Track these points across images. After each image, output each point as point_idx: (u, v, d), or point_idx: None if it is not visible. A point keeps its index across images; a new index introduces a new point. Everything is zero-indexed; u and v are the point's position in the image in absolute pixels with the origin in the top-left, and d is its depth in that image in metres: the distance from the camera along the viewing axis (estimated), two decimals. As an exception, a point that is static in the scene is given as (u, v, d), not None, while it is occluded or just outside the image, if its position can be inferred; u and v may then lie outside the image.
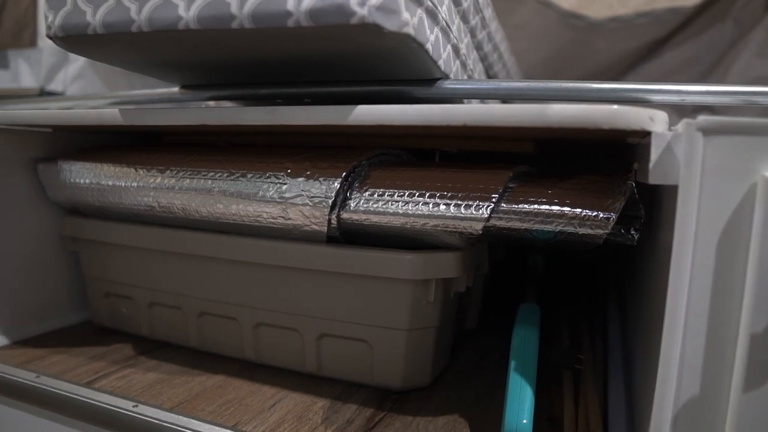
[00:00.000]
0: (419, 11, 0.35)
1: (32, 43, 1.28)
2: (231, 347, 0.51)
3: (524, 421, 0.34)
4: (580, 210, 0.36)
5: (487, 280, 0.62)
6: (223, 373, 0.48)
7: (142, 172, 0.49)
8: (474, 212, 0.38)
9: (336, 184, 0.41)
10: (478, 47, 0.55)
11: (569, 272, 0.79)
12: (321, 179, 0.42)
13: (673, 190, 0.27)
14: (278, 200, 0.43)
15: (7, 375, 0.46)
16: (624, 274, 0.66)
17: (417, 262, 0.41)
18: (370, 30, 0.31)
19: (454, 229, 0.39)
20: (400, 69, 0.41)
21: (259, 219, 0.44)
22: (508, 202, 0.38)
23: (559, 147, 0.53)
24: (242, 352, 0.50)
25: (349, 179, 0.42)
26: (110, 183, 0.51)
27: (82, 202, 0.54)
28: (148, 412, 0.40)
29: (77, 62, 1.18)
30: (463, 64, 0.48)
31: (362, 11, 0.30)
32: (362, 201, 0.41)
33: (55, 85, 1.21)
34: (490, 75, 0.64)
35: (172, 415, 0.40)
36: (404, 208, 0.40)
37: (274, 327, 0.48)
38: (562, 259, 0.78)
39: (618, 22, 1.01)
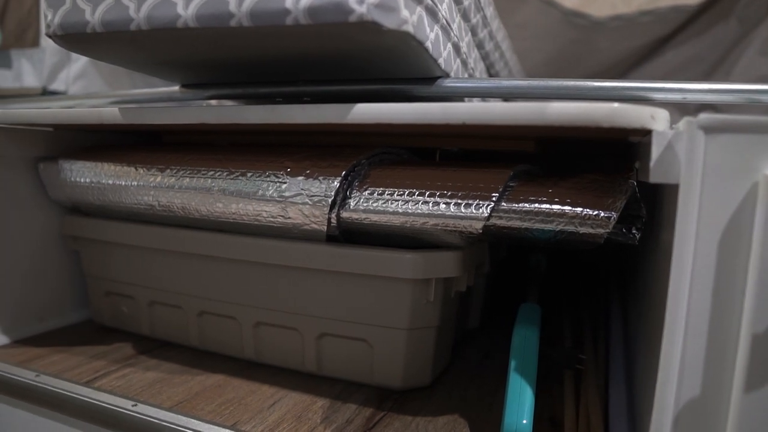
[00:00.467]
0: (419, 9, 0.34)
1: (35, 42, 1.29)
2: (231, 346, 0.51)
3: (524, 422, 0.33)
4: (580, 209, 0.35)
5: (490, 279, 0.61)
6: (222, 373, 0.48)
7: (142, 171, 0.49)
8: (474, 211, 0.38)
9: (336, 183, 0.41)
10: (480, 46, 0.55)
11: (572, 272, 0.78)
12: (321, 178, 0.42)
13: (674, 189, 0.27)
14: (278, 199, 0.43)
15: (7, 374, 0.46)
16: (627, 274, 0.66)
17: (417, 262, 0.41)
18: (369, 28, 0.31)
19: (454, 228, 0.39)
20: (401, 67, 0.40)
21: (258, 218, 0.44)
22: (508, 201, 0.38)
23: (561, 146, 0.52)
24: (242, 352, 0.50)
25: (349, 178, 0.42)
26: (110, 182, 0.51)
27: (83, 201, 0.54)
28: (148, 412, 0.40)
29: (79, 62, 1.18)
30: (464, 63, 0.48)
31: (361, 9, 0.30)
32: (362, 200, 0.41)
33: (57, 85, 1.21)
34: (491, 74, 0.64)
35: (172, 414, 0.40)
36: (404, 207, 0.40)
37: (274, 326, 0.48)
38: (565, 258, 0.78)
39: (621, 21, 1.01)
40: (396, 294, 0.42)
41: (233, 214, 0.45)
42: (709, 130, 0.26)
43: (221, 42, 0.36)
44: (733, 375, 0.26)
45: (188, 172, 0.47)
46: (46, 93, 1.22)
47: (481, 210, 0.38)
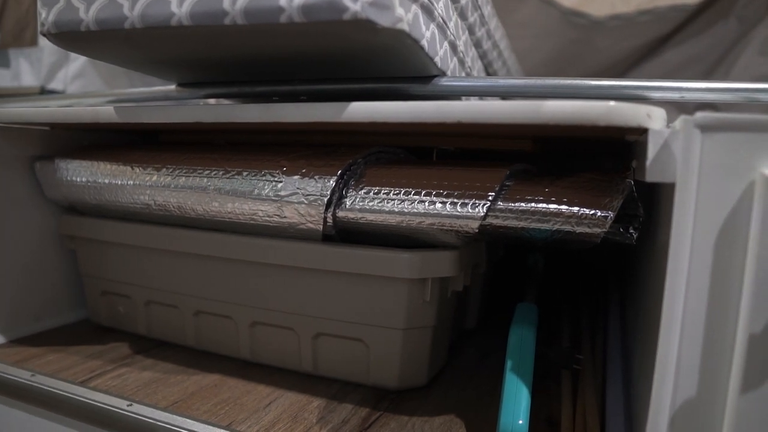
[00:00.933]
0: (414, 7, 0.34)
1: (33, 42, 1.28)
2: (227, 346, 0.50)
3: (520, 422, 0.33)
4: (577, 208, 0.35)
5: (487, 279, 0.61)
6: (219, 372, 0.48)
7: (138, 171, 0.49)
8: (470, 211, 0.38)
9: (331, 182, 0.41)
10: (477, 44, 0.55)
11: (570, 271, 0.78)
12: (316, 177, 0.42)
13: (670, 188, 0.27)
14: (274, 198, 0.43)
15: (2, 374, 0.45)
16: (625, 273, 0.66)
17: (413, 261, 0.41)
18: (364, 26, 0.31)
19: (451, 228, 0.39)
20: (397, 66, 0.40)
21: (254, 217, 0.44)
22: (504, 200, 0.37)
23: (558, 145, 0.52)
24: (238, 351, 0.50)
25: (345, 177, 0.42)
26: (106, 181, 0.50)
27: (79, 201, 0.53)
28: (143, 411, 0.40)
29: (77, 61, 1.18)
30: (461, 61, 0.47)
31: (355, 7, 0.30)
32: (358, 199, 0.41)
33: (55, 84, 1.21)
34: (489, 73, 0.63)
35: (167, 414, 0.39)
36: (400, 206, 0.40)
37: (270, 326, 0.48)
38: (564, 258, 0.77)
39: (620, 20, 1.00)
40: (392, 294, 0.42)
41: (229, 213, 0.45)
42: (705, 128, 0.25)
43: (216, 40, 0.35)
44: (729, 375, 0.26)
45: (184, 171, 0.47)
46: (44, 92, 1.22)
47: (477, 209, 0.38)
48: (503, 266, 0.67)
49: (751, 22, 0.95)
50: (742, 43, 0.96)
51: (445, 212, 0.38)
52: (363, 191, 0.41)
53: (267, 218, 0.43)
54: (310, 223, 0.42)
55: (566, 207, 0.36)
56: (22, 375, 0.45)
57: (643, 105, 0.29)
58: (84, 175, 0.52)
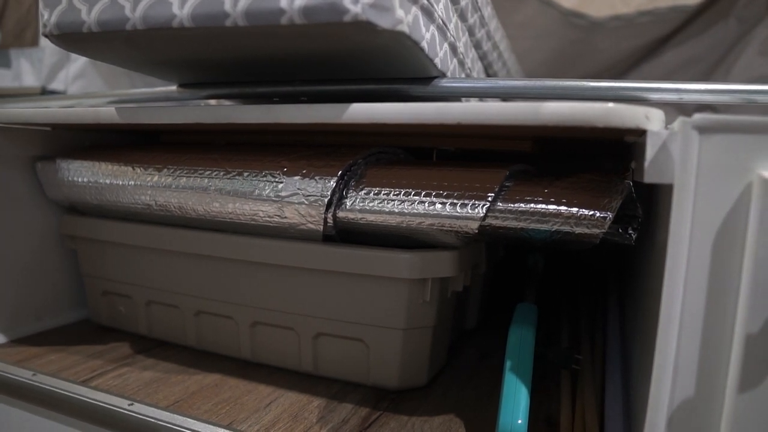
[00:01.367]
0: (414, 9, 0.34)
1: (34, 42, 1.29)
2: (228, 346, 0.51)
3: (519, 421, 0.33)
4: (576, 209, 0.35)
5: (488, 280, 0.61)
6: (219, 372, 0.48)
7: (139, 171, 0.49)
8: (470, 211, 0.38)
9: (332, 182, 0.41)
10: (477, 46, 0.55)
11: (570, 272, 0.78)
12: (317, 178, 0.42)
13: (668, 189, 0.27)
14: (274, 199, 0.43)
15: (3, 373, 0.46)
16: (624, 274, 0.66)
17: (413, 262, 0.41)
18: (364, 28, 0.31)
19: (450, 228, 0.39)
20: (397, 67, 0.40)
21: (255, 217, 0.44)
22: (504, 201, 0.38)
23: (559, 146, 0.52)
24: (239, 351, 0.50)
25: (345, 178, 0.42)
26: (107, 181, 0.51)
27: (80, 201, 0.54)
28: (144, 411, 0.40)
29: (78, 61, 1.18)
30: (461, 63, 0.48)
31: (355, 9, 0.30)
32: (358, 200, 0.41)
33: (56, 84, 1.21)
34: (489, 74, 0.64)
35: (167, 413, 0.40)
36: (400, 207, 0.40)
37: (271, 326, 0.48)
38: (564, 258, 0.77)
39: (620, 21, 1.01)
40: (392, 294, 0.42)
41: (230, 213, 0.45)
42: (703, 130, 0.26)
43: (217, 42, 0.36)
44: (727, 375, 0.26)
45: (185, 171, 0.47)
46: (45, 92, 1.22)
47: (476, 210, 0.38)
48: (503, 267, 0.67)
49: (751, 22, 0.95)
50: (742, 43, 0.96)
51: (444, 213, 0.39)
52: (363, 192, 0.41)
53: (267, 219, 0.44)
54: (311, 223, 0.42)
55: (565, 208, 0.36)
56: (23, 374, 0.45)
57: (641, 106, 0.29)
58: (85, 175, 0.52)
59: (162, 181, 0.48)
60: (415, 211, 0.39)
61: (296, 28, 0.32)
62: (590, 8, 1.02)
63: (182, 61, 0.43)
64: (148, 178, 0.49)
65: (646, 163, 0.27)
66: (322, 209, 0.41)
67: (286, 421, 0.40)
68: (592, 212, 0.35)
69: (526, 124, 0.31)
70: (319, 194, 0.41)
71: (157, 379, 0.46)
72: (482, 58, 0.59)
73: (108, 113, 0.44)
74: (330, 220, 0.42)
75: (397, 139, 0.48)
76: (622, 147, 0.46)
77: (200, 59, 0.41)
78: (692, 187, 0.26)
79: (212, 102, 0.55)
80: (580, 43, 1.04)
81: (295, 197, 0.42)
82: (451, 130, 0.40)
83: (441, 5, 0.40)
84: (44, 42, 1.26)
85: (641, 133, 0.29)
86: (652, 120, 0.28)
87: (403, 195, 0.40)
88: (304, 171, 0.43)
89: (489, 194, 0.38)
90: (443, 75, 0.42)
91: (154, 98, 0.57)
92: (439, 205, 0.39)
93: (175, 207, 0.48)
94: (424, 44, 0.37)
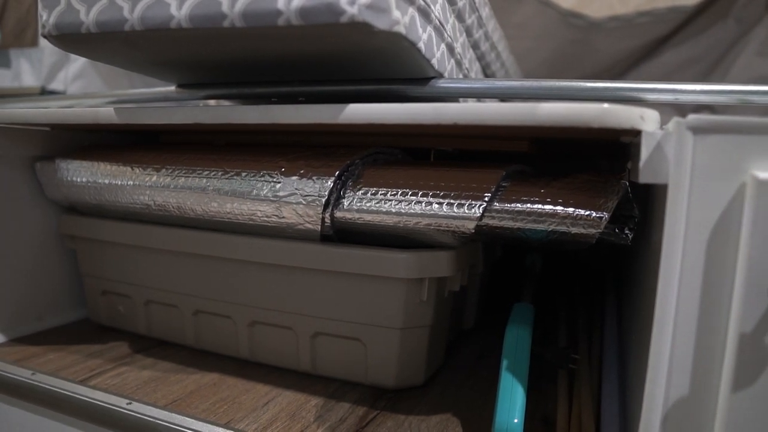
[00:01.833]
0: (411, 10, 0.35)
1: (34, 42, 1.29)
2: (226, 345, 0.51)
3: (515, 421, 0.33)
4: (572, 209, 0.36)
5: (485, 280, 0.62)
6: (218, 371, 0.48)
7: (138, 171, 0.49)
8: (466, 211, 0.38)
9: (329, 182, 0.41)
10: (475, 46, 0.55)
11: (568, 272, 0.79)
12: (314, 178, 0.42)
13: (663, 189, 0.27)
14: (272, 199, 0.43)
15: (2, 372, 0.46)
16: (621, 274, 0.66)
17: (410, 261, 0.41)
18: (361, 29, 0.31)
19: (447, 228, 0.39)
20: (394, 68, 0.40)
21: (253, 217, 0.44)
22: (500, 201, 0.38)
23: (555, 146, 0.52)
24: (237, 351, 0.50)
25: (343, 178, 0.42)
26: (106, 181, 0.51)
27: (79, 201, 0.54)
28: (142, 410, 0.40)
29: (78, 62, 1.18)
30: (458, 63, 0.48)
31: (352, 10, 0.30)
32: (355, 200, 0.41)
33: (56, 85, 1.21)
34: (487, 74, 0.64)
35: (165, 412, 0.40)
36: (397, 207, 0.40)
37: (269, 325, 0.48)
38: (561, 259, 0.78)
39: (618, 22, 1.01)
40: (389, 293, 0.42)
41: (228, 213, 0.45)
42: (697, 130, 0.26)
43: (215, 42, 0.36)
44: (721, 374, 0.26)
45: (184, 171, 0.47)
46: (44, 93, 1.22)
47: (473, 210, 0.38)
48: (501, 267, 0.67)
49: (750, 23, 0.95)
50: (741, 44, 0.96)
51: (441, 213, 0.39)
52: (361, 192, 0.41)
53: (265, 218, 0.44)
54: (308, 223, 0.42)
55: (562, 208, 0.36)
56: (22, 374, 0.45)
57: (636, 107, 0.29)
58: (84, 175, 0.52)
59: (161, 181, 0.48)
60: (412, 211, 0.39)
61: (293, 29, 0.32)
62: (589, 9, 1.02)
63: (180, 62, 0.43)
64: (147, 178, 0.49)
65: (641, 164, 0.27)
66: (320, 209, 0.42)
67: (284, 419, 0.40)
68: (588, 212, 0.35)
69: (523, 125, 0.31)
70: (316, 194, 0.42)
71: (156, 379, 0.46)
72: (480, 58, 0.59)
73: (107, 113, 0.44)
74: (327, 220, 0.42)
75: (395, 139, 0.48)
76: (618, 147, 0.46)
77: (198, 60, 0.41)
78: (686, 187, 0.26)
79: (211, 102, 0.55)
80: (579, 43, 1.05)
81: (293, 197, 0.42)
82: (448, 131, 0.40)
83: (438, 6, 0.40)
84: (44, 42, 1.26)
85: (636, 134, 0.29)
86: (647, 121, 0.29)
87: (400, 195, 0.40)
88: (302, 171, 0.43)
89: (486, 194, 0.38)
90: (440, 75, 0.42)
91: (153, 98, 0.57)
92: (436, 205, 0.39)
93: (173, 207, 0.48)
94: (421, 45, 0.37)
